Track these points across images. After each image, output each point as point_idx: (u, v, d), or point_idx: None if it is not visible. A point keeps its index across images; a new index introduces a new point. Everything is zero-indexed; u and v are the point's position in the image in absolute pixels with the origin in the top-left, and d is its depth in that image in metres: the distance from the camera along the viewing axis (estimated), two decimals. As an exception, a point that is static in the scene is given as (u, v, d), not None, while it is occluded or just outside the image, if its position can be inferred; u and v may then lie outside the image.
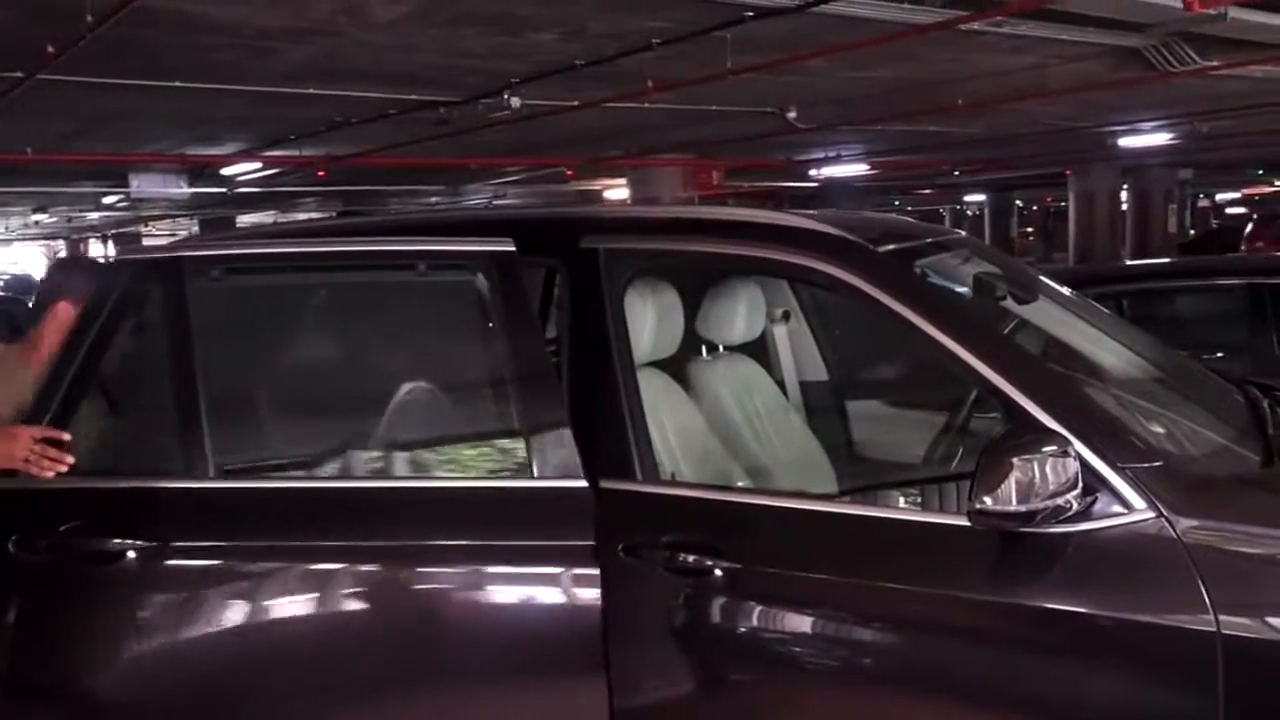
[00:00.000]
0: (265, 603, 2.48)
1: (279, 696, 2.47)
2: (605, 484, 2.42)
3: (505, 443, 2.63)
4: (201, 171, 14.43)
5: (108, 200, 18.97)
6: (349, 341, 2.96)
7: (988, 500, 2.01)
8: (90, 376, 2.72)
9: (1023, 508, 1.99)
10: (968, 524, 2.08)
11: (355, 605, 2.48)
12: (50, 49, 6.29)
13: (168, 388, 2.63)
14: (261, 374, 2.91)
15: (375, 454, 2.80)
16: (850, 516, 2.43)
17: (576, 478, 2.41)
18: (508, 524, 2.46)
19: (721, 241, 2.62)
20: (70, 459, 2.48)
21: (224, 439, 2.57)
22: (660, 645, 2.36)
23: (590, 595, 2.35)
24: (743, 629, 2.31)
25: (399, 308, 2.91)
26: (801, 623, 2.29)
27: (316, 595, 2.49)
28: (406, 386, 2.78)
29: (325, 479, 2.72)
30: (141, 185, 14.19)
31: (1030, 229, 29.71)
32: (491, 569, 2.50)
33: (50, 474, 2.40)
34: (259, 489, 2.63)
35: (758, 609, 2.30)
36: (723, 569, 2.28)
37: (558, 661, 2.44)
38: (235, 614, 2.47)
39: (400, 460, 2.78)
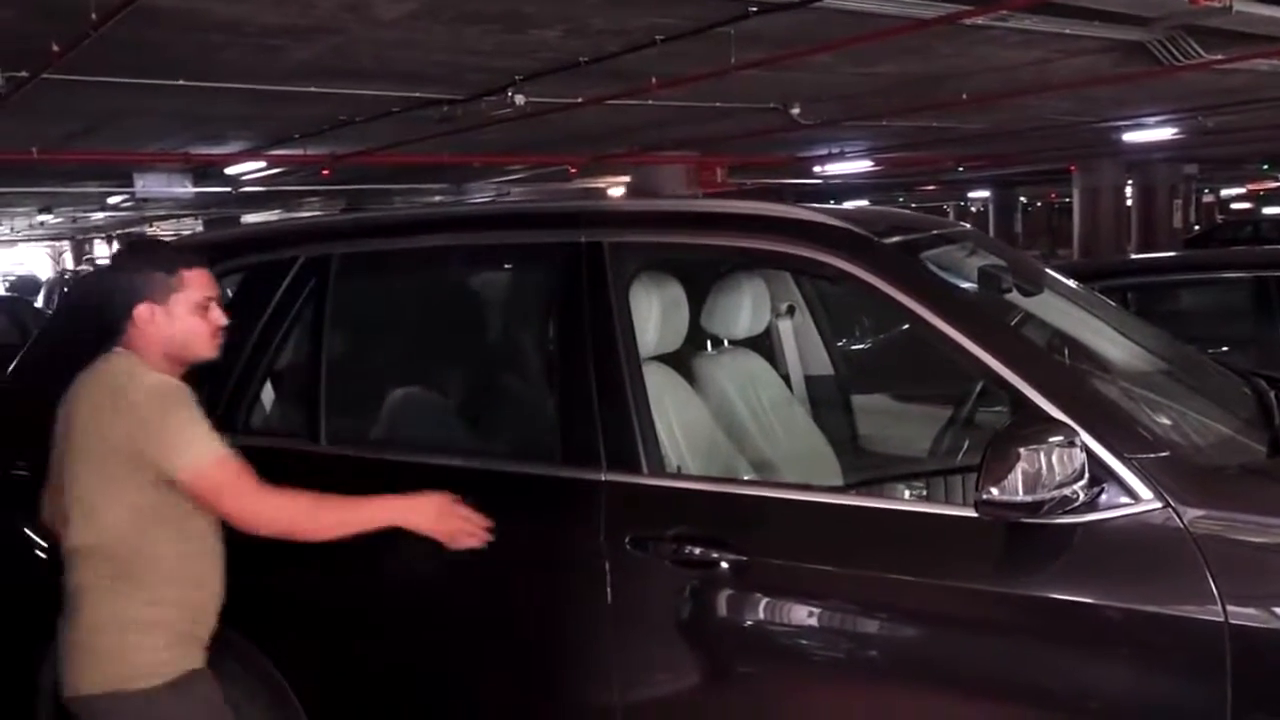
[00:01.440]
0: None
1: None
2: (610, 476, 2.43)
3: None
4: (206, 171, 14.45)
5: (113, 200, 18.99)
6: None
7: (994, 491, 2.00)
8: (263, 359, 2.91)
9: (1029, 498, 1.99)
10: (974, 515, 2.08)
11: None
12: (55, 48, 6.30)
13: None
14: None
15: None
16: (856, 508, 2.43)
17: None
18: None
19: (729, 235, 2.62)
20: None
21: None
22: (667, 637, 2.36)
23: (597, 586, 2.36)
24: (749, 621, 2.31)
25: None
26: (808, 615, 2.29)
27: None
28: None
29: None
30: (146, 185, 14.21)
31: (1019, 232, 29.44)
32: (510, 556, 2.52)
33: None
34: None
35: (764, 601, 2.30)
36: (729, 561, 2.28)
37: (564, 652, 2.44)
38: None
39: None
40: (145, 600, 2.32)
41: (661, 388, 2.79)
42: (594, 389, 2.50)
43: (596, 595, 2.37)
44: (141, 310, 2.39)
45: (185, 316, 2.41)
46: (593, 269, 2.59)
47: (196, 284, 2.44)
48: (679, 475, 2.60)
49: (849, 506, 2.45)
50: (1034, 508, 2.00)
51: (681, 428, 2.79)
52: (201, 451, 2.29)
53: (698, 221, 2.71)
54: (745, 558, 2.28)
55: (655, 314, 2.80)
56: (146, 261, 2.46)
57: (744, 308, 3.17)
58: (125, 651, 2.30)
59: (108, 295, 2.45)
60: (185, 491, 2.30)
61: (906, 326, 2.51)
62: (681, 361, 3.07)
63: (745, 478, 2.92)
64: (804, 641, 2.31)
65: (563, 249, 2.66)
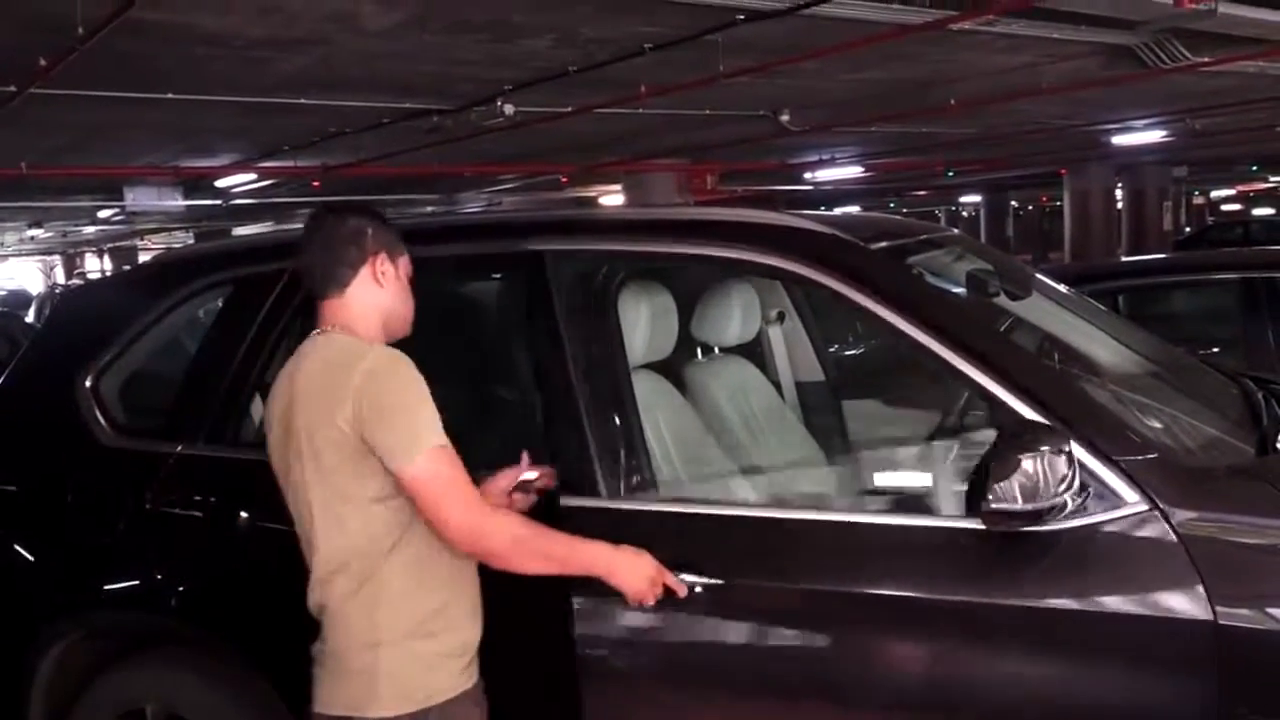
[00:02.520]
0: None
1: None
2: (565, 501, 2.36)
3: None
4: (196, 184, 14.45)
5: (103, 214, 18.98)
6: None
7: (1002, 502, 1.97)
8: (251, 372, 2.84)
9: (1030, 506, 1.96)
10: (967, 526, 2.06)
11: None
12: (43, 62, 6.30)
13: None
14: None
15: None
16: (845, 524, 2.36)
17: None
18: None
19: (720, 245, 2.60)
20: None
21: None
22: (642, 668, 2.33)
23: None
24: (732, 648, 2.26)
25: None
26: (795, 637, 2.24)
27: None
28: None
29: None
30: (136, 198, 14.21)
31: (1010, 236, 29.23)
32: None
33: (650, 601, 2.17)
34: None
35: (746, 626, 2.25)
36: (704, 586, 2.21)
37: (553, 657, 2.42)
38: None
39: None
40: (395, 617, 2.10)
41: (651, 396, 2.78)
42: (582, 400, 2.49)
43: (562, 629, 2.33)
44: (380, 260, 2.21)
45: (405, 282, 2.28)
46: (582, 279, 2.58)
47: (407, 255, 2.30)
48: (637, 497, 2.48)
49: (838, 522, 2.39)
50: (1035, 516, 1.97)
51: (672, 436, 2.78)
52: (426, 440, 2.03)
53: (688, 230, 2.69)
54: (721, 581, 2.22)
55: (644, 323, 2.79)
56: (375, 216, 2.28)
57: (733, 315, 3.16)
58: (375, 673, 2.08)
59: (328, 247, 2.20)
60: (405, 490, 2.05)
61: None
62: (672, 370, 3.06)
63: (735, 486, 2.90)
64: (793, 665, 2.25)
65: (549, 257, 2.65)
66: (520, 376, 2.57)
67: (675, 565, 2.18)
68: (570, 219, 2.91)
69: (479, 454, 2.22)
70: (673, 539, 2.28)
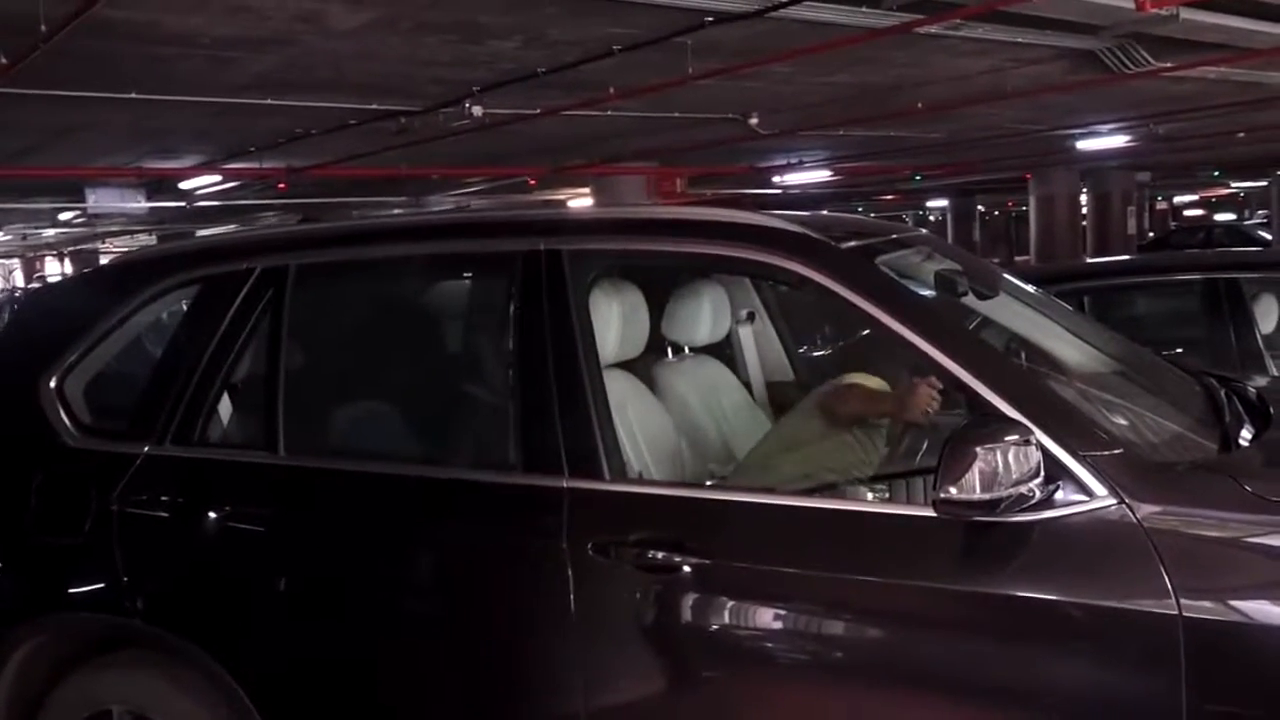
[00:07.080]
0: None
1: None
2: (572, 483, 2.42)
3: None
4: (160, 185, 14.30)
5: (64, 216, 18.75)
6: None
7: (952, 490, 2.02)
8: (219, 371, 2.86)
9: (986, 496, 2.01)
10: (933, 515, 2.09)
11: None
12: (3, 60, 6.22)
13: None
14: None
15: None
16: (816, 510, 2.44)
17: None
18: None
19: (690, 241, 2.62)
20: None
21: None
22: (632, 643, 2.36)
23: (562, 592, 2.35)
24: (713, 624, 2.31)
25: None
26: (771, 617, 2.29)
27: None
28: None
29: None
30: (99, 200, 14.03)
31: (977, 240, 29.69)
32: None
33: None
34: None
35: (727, 604, 2.30)
36: (692, 565, 2.28)
37: (529, 660, 2.43)
38: None
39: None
40: None
41: (623, 394, 2.78)
42: (555, 396, 2.50)
43: (560, 602, 2.36)
44: None
45: None
46: (552, 277, 2.58)
47: None
48: (640, 481, 2.59)
49: (808, 508, 2.46)
50: (991, 506, 2.02)
51: (644, 434, 2.79)
52: None
53: (662, 228, 2.71)
54: (708, 561, 2.28)
55: (616, 321, 2.80)
56: None
57: (704, 315, 3.17)
58: None
59: None
60: None
61: (866, 332, 2.52)
62: (643, 368, 3.06)
63: (708, 483, 2.92)
64: (767, 644, 2.31)
65: (521, 257, 2.65)
66: (495, 373, 2.58)
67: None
68: (550, 218, 2.91)
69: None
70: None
